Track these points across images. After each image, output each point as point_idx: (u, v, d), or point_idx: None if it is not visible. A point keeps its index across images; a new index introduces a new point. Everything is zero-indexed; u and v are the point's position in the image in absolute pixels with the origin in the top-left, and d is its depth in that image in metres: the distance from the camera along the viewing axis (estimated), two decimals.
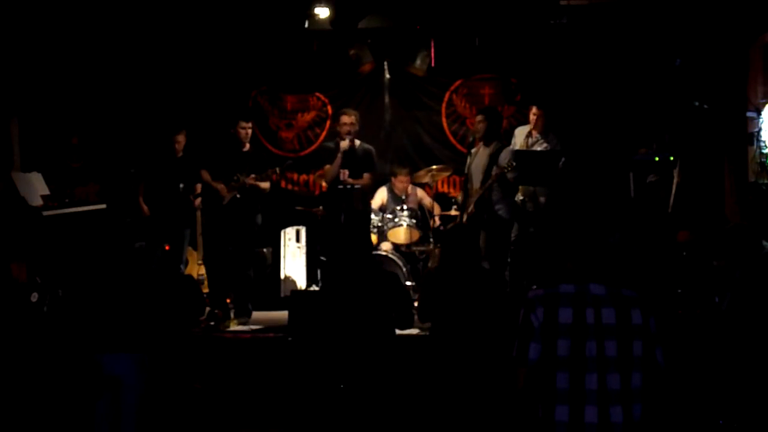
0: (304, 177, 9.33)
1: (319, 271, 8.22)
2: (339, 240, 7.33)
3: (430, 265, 8.08)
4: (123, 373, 4.54)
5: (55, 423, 5.51)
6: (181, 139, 8.00)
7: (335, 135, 7.94)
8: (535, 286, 6.18)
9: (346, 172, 7.58)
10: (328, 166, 7.71)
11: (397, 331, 6.54)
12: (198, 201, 8.06)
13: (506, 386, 5.34)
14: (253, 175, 7.48)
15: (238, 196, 7.50)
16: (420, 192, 8.59)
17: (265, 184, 7.62)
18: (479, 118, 7.46)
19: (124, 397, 4.56)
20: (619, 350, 2.98)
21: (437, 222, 8.34)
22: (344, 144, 7.57)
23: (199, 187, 8.00)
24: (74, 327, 5.14)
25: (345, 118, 7.63)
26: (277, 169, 7.62)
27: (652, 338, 3.01)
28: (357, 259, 5.38)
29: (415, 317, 6.97)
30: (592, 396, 2.97)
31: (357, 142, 7.67)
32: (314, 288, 8.10)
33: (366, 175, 7.72)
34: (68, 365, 5.71)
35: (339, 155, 7.57)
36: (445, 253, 5.72)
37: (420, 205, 8.44)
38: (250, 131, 7.68)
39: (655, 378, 2.98)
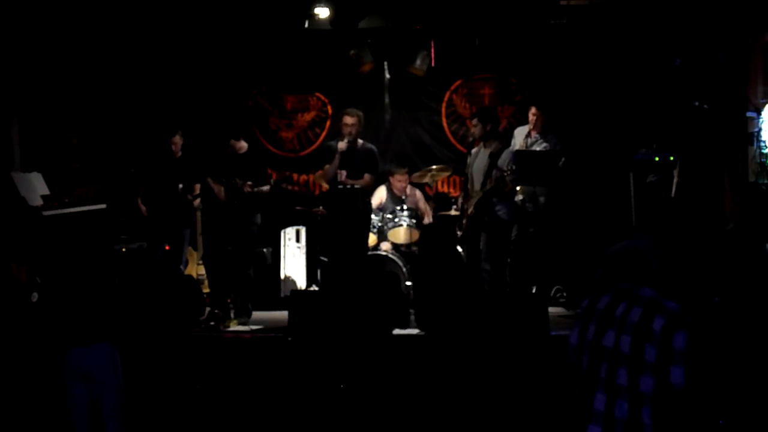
0: (304, 177, 9.32)
1: (319, 272, 8.22)
2: (337, 241, 7.38)
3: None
4: (91, 366, 4.51)
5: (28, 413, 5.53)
6: (177, 140, 7.99)
7: (336, 135, 7.93)
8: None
9: (344, 172, 7.56)
10: (327, 166, 7.69)
11: (396, 331, 6.59)
12: (197, 201, 8.06)
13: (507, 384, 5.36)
14: (249, 183, 7.39)
15: (235, 202, 7.42)
16: (418, 193, 8.58)
17: (266, 188, 7.59)
18: (473, 121, 7.55)
19: (99, 391, 4.53)
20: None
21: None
22: (341, 145, 7.53)
23: (197, 187, 8.00)
24: (48, 321, 5.13)
25: (348, 119, 7.58)
26: (272, 181, 7.62)
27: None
28: (353, 260, 5.41)
29: (412, 318, 7.05)
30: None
31: (360, 141, 7.65)
32: (314, 288, 8.10)
33: (366, 176, 7.66)
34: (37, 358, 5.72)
35: (337, 156, 7.55)
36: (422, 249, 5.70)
37: (418, 206, 8.44)
38: (237, 145, 7.61)
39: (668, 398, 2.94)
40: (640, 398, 2.94)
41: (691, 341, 2.91)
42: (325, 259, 7.85)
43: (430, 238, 5.81)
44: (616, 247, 5.01)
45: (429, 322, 6.41)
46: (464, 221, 7.54)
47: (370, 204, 7.88)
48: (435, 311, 6.26)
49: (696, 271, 4.93)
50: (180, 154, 8.04)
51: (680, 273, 3.19)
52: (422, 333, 6.58)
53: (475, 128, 7.49)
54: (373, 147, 7.83)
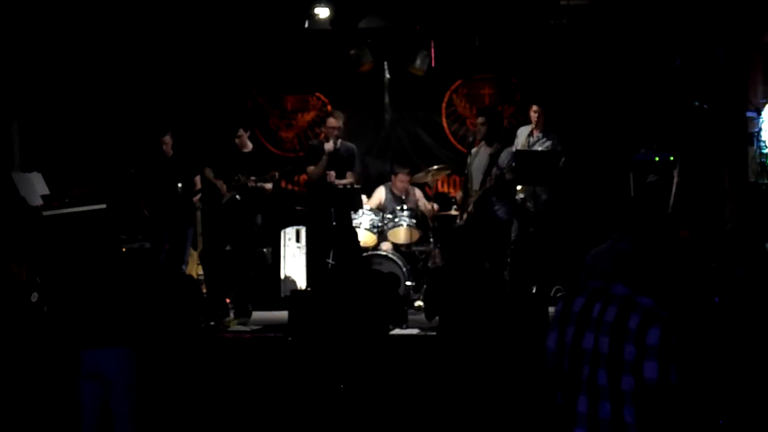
0: (304, 177, 9.31)
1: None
2: (333, 240, 7.38)
3: (430, 264, 8.08)
4: (107, 368, 4.50)
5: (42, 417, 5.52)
6: (168, 140, 7.95)
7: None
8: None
9: (333, 173, 7.62)
10: (312, 167, 7.74)
11: (397, 331, 6.59)
12: (197, 198, 8.05)
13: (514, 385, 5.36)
14: (253, 177, 7.44)
15: (237, 197, 7.47)
16: (419, 193, 8.58)
17: (269, 185, 7.60)
18: (480, 120, 7.48)
19: (113, 393, 4.52)
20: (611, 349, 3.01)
21: (433, 224, 8.34)
22: (329, 146, 7.61)
23: (198, 181, 7.97)
24: (59, 323, 5.11)
25: (332, 121, 7.69)
26: (276, 174, 7.62)
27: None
28: (349, 259, 5.42)
29: (410, 316, 7.04)
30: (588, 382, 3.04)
31: (339, 141, 7.72)
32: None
33: (349, 174, 7.83)
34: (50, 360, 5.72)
35: (325, 157, 7.60)
36: (446, 253, 5.73)
37: (418, 206, 8.44)
38: (244, 139, 7.65)
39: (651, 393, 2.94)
40: (622, 398, 2.94)
41: (665, 336, 2.92)
42: (330, 261, 7.85)
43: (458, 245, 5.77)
44: (598, 249, 5.01)
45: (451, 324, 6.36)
46: (463, 219, 7.54)
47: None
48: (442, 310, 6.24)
49: (682, 269, 4.92)
50: (171, 153, 8.00)
51: (665, 272, 3.18)
52: (422, 333, 6.58)
53: (482, 127, 7.46)
54: (354, 146, 7.93)
